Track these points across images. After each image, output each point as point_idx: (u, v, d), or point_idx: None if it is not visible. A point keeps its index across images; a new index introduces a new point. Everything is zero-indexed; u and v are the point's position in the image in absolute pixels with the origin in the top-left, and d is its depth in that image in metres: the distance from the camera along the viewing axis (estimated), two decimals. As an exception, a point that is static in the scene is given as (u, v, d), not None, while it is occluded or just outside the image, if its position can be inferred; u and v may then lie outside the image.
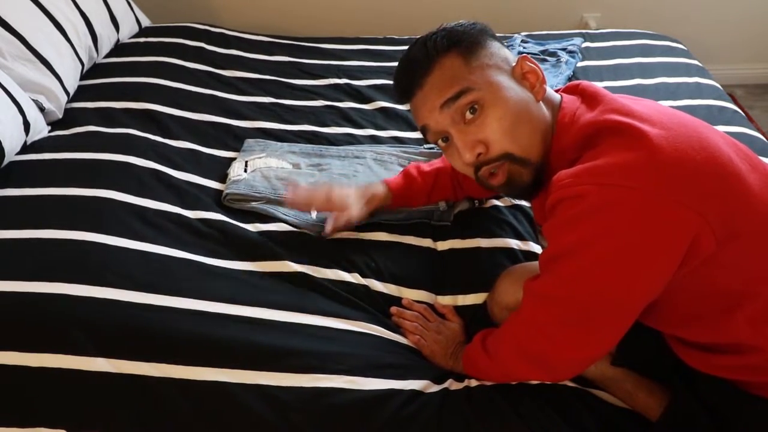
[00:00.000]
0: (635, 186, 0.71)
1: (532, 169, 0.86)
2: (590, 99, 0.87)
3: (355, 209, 1.14)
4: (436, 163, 1.23)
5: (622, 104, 0.82)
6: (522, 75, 0.88)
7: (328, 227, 1.16)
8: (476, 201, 1.27)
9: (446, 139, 0.89)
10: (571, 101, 0.88)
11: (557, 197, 0.78)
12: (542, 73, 0.88)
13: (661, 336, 0.93)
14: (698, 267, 0.76)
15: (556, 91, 0.94)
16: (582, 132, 0.82)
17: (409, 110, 0.97)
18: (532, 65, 0.88)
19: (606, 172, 0.74)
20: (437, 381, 0.97)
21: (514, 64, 0.89)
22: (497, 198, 1.27)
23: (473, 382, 0.97)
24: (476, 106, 0.84)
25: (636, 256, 0.74)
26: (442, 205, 1.23)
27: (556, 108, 0.89)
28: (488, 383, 0.96)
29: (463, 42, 0.87)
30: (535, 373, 0.89)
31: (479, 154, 0.86)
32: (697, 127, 0.78)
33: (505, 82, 0.86)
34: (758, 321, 0.79)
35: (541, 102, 0.88)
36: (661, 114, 0.79)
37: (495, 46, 0.89)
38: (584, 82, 0.92)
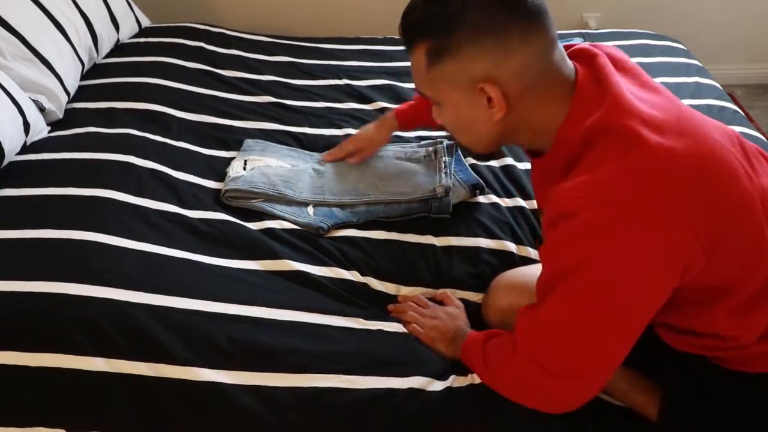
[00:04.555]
0: (630, 203, 0.72)
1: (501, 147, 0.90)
2: (599, 86, 0.81)
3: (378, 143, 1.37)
4: None
5: (628, 102, 0.78)
6: (487, 98, 0.81)
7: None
8: (477, 191, 1.27)
9: None
10: (585, 86, 0.82)
11: (555, 212, 0.77)
12: (506, 107, 0.81)
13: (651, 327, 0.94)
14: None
15: (569, 55, 0.88)
16: (587, 129, 0.79)
17: None
18: (497, 94, 0.80)
19: (601, 185, 0.74)
20: (439, 378, 0.97)
21: (480, 81, 0.80)
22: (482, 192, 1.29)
23: (476, 379, 0.96)
24: (436, 103, 0.88)
25: (637, 277, 0.74)
26: (440, 191, 1.23)
27: (570, 83, 0.83)
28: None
29: (435, 34, 0.80)
30: (531, 401, 0.88)
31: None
32: (701, 128, 0.78)
33: (458, 101, 0.84)
34: (738, 313, 0.81)
35: (516, 108, 0.82)
36: (668, 113, 0.78)
37: (463, 56, 0.79)
38: (588, 51, 0.88)
